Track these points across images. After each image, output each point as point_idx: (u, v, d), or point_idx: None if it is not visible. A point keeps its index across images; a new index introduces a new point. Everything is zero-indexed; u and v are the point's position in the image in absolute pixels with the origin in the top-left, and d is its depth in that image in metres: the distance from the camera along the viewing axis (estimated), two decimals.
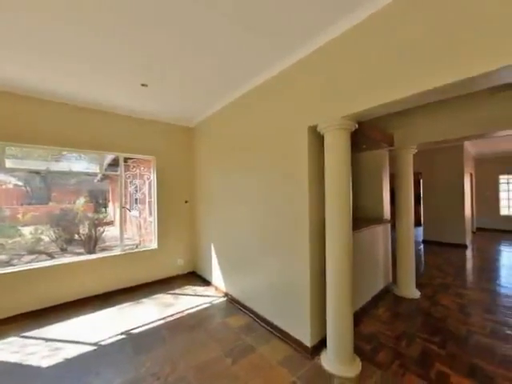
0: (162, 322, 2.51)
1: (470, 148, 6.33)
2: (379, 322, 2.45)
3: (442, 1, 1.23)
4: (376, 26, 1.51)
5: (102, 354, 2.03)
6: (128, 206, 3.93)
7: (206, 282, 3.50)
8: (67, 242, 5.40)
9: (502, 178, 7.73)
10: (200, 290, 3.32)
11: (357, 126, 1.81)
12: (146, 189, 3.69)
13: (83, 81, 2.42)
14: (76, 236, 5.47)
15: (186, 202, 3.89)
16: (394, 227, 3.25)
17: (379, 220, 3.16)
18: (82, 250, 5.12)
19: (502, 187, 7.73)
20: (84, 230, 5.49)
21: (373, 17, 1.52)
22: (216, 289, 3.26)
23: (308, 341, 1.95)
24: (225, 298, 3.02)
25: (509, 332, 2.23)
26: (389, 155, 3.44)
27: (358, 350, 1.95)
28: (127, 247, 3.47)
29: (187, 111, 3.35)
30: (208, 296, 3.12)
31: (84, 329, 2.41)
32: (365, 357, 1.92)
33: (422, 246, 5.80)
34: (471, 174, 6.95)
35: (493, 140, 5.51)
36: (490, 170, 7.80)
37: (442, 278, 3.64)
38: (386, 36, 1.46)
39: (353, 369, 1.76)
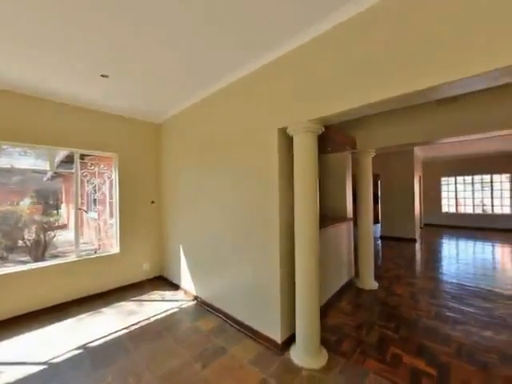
0: (125, 331, 2.34)
1: (419, 153, 7.14)
2: (343, 314, 2.61)
3: (395, 22, 1.36)
4: (339, 38, 1.61)
5: (53, 373, 1.81)
6: (85, 208, 3.58)
7: (175, 286, 3.36)
8: (8, 249, 4.71)
9: (443, 180, 8.87)
10: (168, 294, 3.18)
11: (323, 129, 1.91)
12: (107, 188, 3.40)
13: (31, 67, 2.13)
14: (20, 242, 4.81)
15: (153, 202, 3.68)
16: (356, 224, 3.50)
17: (343, 218, 3.37)
18: (27, 258, 4.51)
19: (443, 188, 8.87)
20: (30, 234, 4.85)
21: (337, 28, 1.62)
22: (185, 292, 3.15)
23: (278, 337, 2.00)
24: (194, 302, 2.93)
25: (449, 314, 2.56)
26: (351, 158, 3.69)
27: (324, 342, 2.06)
28: (84, 253, 3.16)
29: (154, 107, 3.18)
30: (177, 300, 3.00)
31: (34, 346, 2.13)
32: (330, 347, 2.03)
33: (379, 242, 6.36)
34: (420, 176, 7.83)
35: (437, 146, 6.30)
36: (433, 172, 8.88)
37: (396, 270, 4.04)
38: (347, 49, 1.56)
39: (319, 360, 1.85)
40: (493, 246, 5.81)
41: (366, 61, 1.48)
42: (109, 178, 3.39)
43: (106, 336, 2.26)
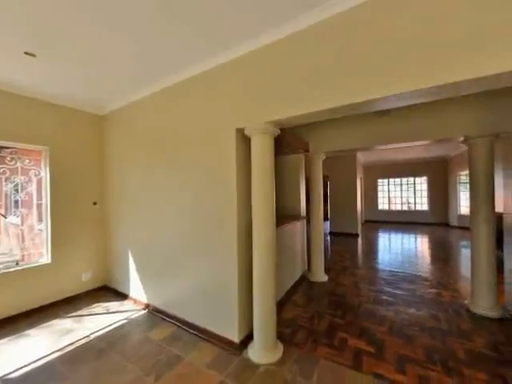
0: (58, 354, 2.01)
1: (361, 157, 8.07)
2: (297, 307, 2.77)
3: (340, 40, 1.51)
4: (292, 47, 1.70)
5: None
6: (2, 211, 2.96)
7: (122, 296, 3.05)
8: None
9: (379, 181, 10.25)
10: (114, 305, 2.86)
11: (279, 131, 1.99)
12: (34, 188, 2.87)
13: None
14: None
15: (95, 203, 3.26)
16: (308, 222, 3.76)
17: (297, 217, 3.58)
18: None
19: (379, 188, 10.26)
20: None
21: (290, 37, 1.71)
22: (135, 302, 2.88)
23: (236, 337, 2.00)
24: (145, 311, 2.71)
25: (384, 297, 2.96)
26: (304, 160, 3.95)
27: (280, 336, 2.14)
28: (1, 265, 2.60)
29: (96, 96, 2.82)
30: (124, 311, 2.72)
31: None
32: (286, 340, 2.13)
33: (328, 237, 6.95)
34: (361, 178, 8.86)
35: (374, 151, 7.22)
36: (372, 174, 10.18)
37: (342, 262, 4.48)
38: (300, 57, 1.67)
39: (276, 354, 1.92)
40: (415, 237, 6.96)
41: (316, 71, 1.60)
42: (36, 175, 2.87)
43: (31, 363, 1.91)
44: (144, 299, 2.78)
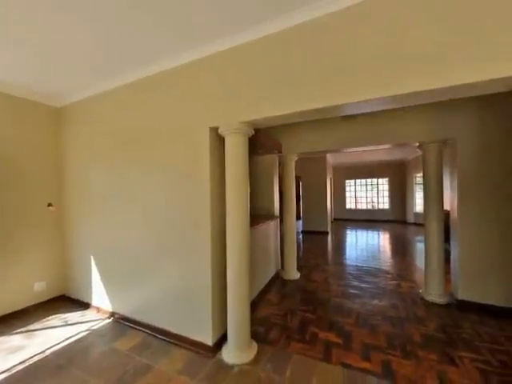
0: (4, 375, 1.78)
1: (330, 159, 8.49)
2: (271, 305, 2.82)
3: (311, 47, 1.57)
4: (269, 47, 1.72)
5: None
6: None
7: (84, 305, 2.80)
8: None
9: (347, 182, 10.89)
10: (74, 316, 2.61)
11: (253, 132, 2.00)
12: None
13: None
14: None
15: (50, 205, 2.94)
16: (282, 221, 3.84)
17: (271, 216, 3.64)
18: None
19: (347, 188, 10.90)
20: None
21: (268, 38, 1.73)
22: (98, 310, 2.67)
23: (210, 340, 1.97)
24: (111, 320, 2.53)
25: (351, 291, 3.15)
26: (278, 160, 4.03)
27: (254, 335, 2.16)
28: None
29: (51, 85, 2.55)
30: (86, 322, 2.50)
31: None
32: (260, 339, 2.15)
33: (301, 236, 7.19)
34: (331, 179, 9.32)
35: (342, 154, 7.64)
36: (340, 175, 10.78)
37: (314, 259, 4.66)
38: (273, 60, 1.70)
39: (250, 354, 1.92)
40: (378, 233, 7.53)
41: (289, 74, 1.65)
42: None
43: None
44: (109, 307, 2.58)
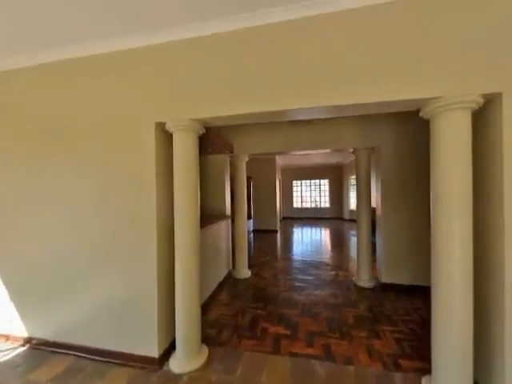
0: None
1: (279, 160, 8.93)
2: (222, 306, 2.79)
3: (267, 48, 1.63)
4: (223, 45, 1.70)
5: None
6: None
7: None
8: None
9: (294, 183, 11.67)
10: None
11: (204, 130, 1.94)
12: None
13: None
14: None
15: None
16: (233, 221, 3.85)
17: (223, 216, 3.60)
18: None
19: (294, 189, 11.68)
20: None
21: (222, 35, 1.70)
22: (7, 338, 2.16)
23: (155, 352, 1.82)
24: (26, 347, 2.08)
25: (298, 284, 3.38)
26: (229, 161, 4.02)
27: (205, 339, 2.10)
28: None
29: None
30: None
31: None
32: (211, 341, 2.10)
33: (252, 235, 7.35)
34: (280, 180, 9.82)
35: (290, 156, 8.14)
36: (288, 176, 11.47)
37: (264, 257, 4.83)
38: (228, 58, 1.69)
39: (200, 359, 1.86)
40: (320, 230, 8.31)
41: (241, 75, 1.67)
42: None
43: None
44: (23, 333, 2.12)
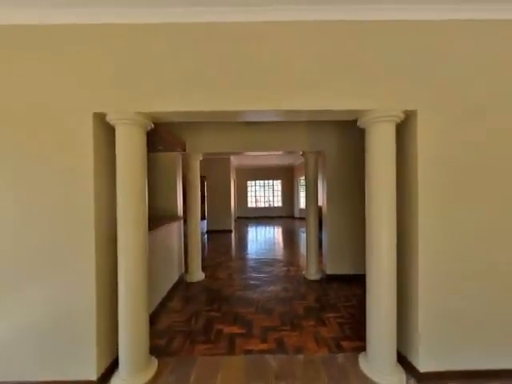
0: None
1: (234, 161, 8.93)
2: (173, 312, 2.63)
3: (224, 50, 1.61)
4: (177, 37, 1.60)
5: None
6: None
7: None
8: None
9: (249, 183, 11.86)
10: None
11: (152, 125, 1.80)
12: None
13: None
14: None
15: None
16: (185, 222, 3.67)
17: (174, 218, 3.40)
18: None
19: (249, 189, 11.88)
20: None
21: (177, 26, 1.60)
22: None
23: (94, 374, 1.60)
24: None
25: (252, 282, 3.44)
26: (182, 159, 3.82)
27: (154, 350, 1.95)
28: None
29: None
30: None
31: None
32: (161, 352, 1.96)
33: (206, 236, 7.15)
34: (234, 180, 9.83)
35: (244, 156, 8.23)
36: (243, 176, 11.58)
37: (218, 258, 4.76)
38: (181, 51, 1.61)
39: (148, 373, 1.71)
40: (273, 228, 8.65)
41: (194, 71, 1.60)
42: None
43: None
44: None
